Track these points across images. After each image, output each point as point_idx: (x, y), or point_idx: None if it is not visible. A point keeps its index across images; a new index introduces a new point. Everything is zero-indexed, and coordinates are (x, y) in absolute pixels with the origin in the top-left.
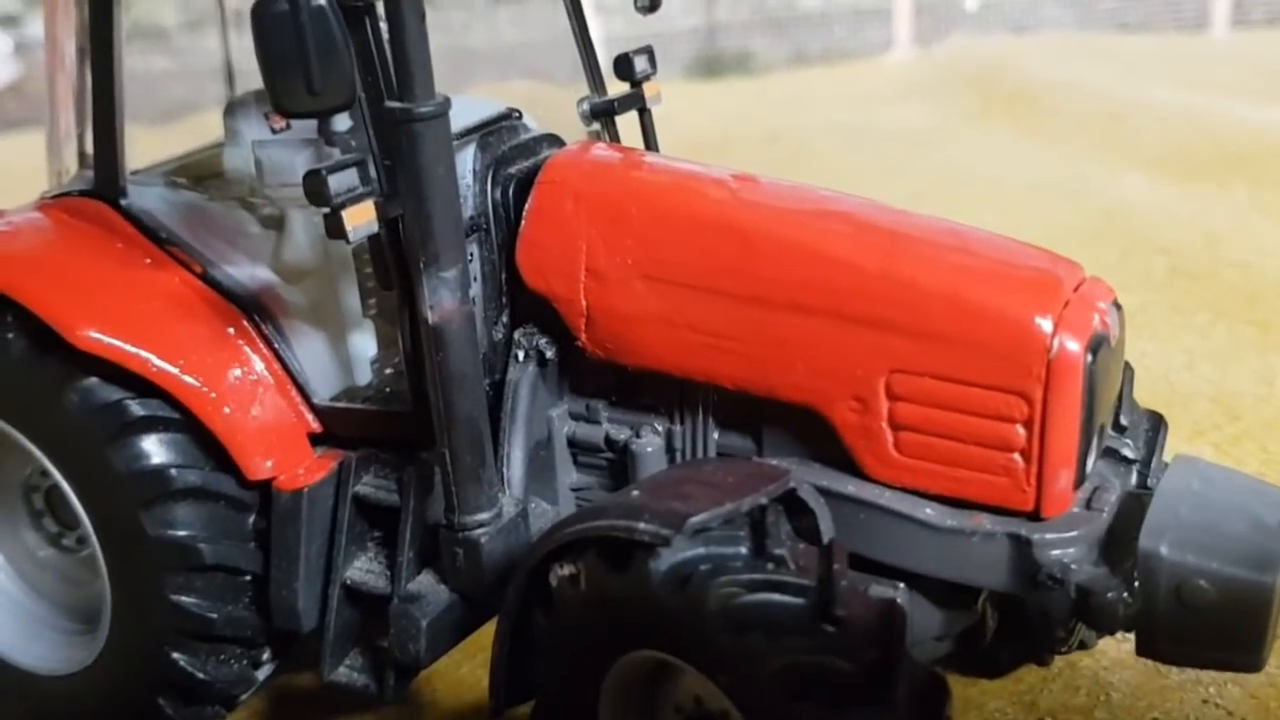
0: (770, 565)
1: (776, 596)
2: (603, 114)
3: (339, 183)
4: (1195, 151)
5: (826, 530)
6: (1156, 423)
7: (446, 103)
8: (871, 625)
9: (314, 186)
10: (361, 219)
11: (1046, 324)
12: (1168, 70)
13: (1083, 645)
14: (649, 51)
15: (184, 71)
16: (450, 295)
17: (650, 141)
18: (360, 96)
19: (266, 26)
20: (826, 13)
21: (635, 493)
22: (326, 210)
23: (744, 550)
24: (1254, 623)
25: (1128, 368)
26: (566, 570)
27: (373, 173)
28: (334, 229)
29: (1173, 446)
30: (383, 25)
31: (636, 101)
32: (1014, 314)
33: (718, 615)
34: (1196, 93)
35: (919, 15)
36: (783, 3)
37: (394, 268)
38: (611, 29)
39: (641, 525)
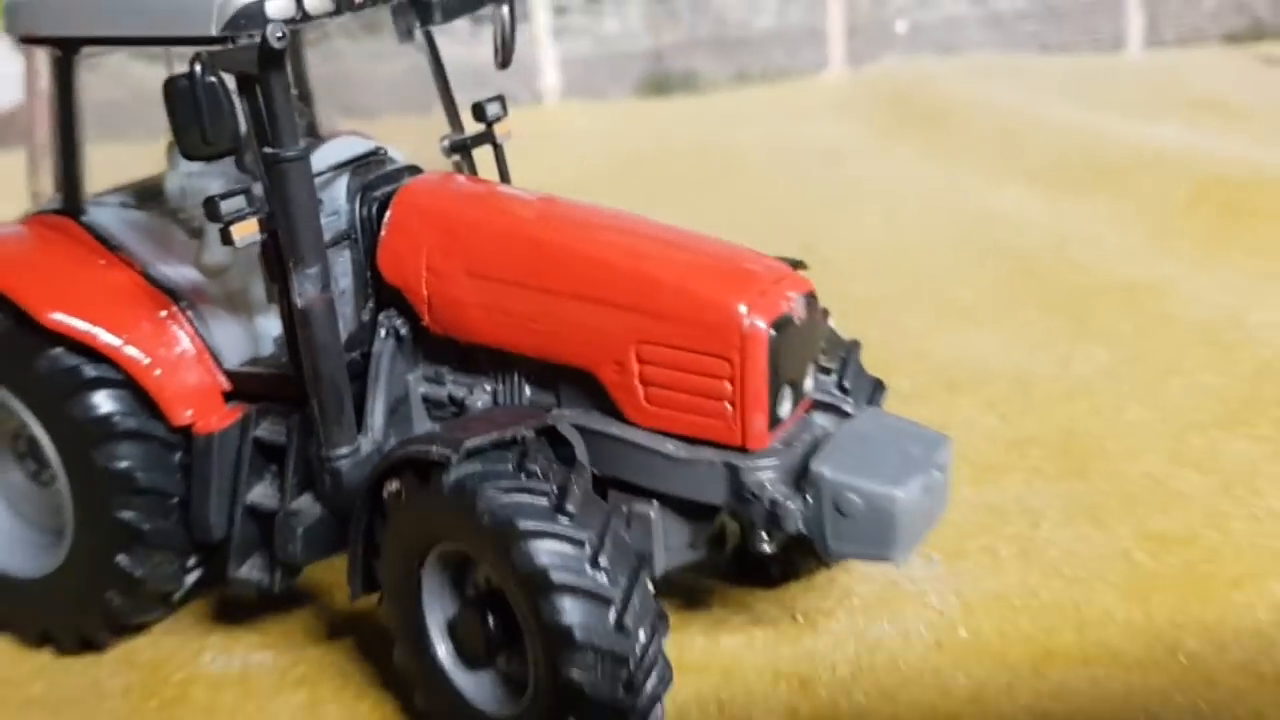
0: (523, 476)
1: (526, 497)
2: (459, 149)
3: (228, 206)
4: (1070, 165)
5: (581, 456)
6: (877, 386)
7: (307, 149)
8: (596, 514)
9: (210, 209)
10: (247, 231)
11: (742, 308)
12: (1070, 89)
13: (824, 565)
14: (501, 99)
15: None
16: (313, 286)
17: (503, 172)
18: (254, 142)
19: (173, 95)
20: (766, 35)
21: (438, 428)
22: (219, 225)
23: (508, 466)
24: (890, 524)
25: (855, 342)
26: (393, 486)
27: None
28: (225, 238)
29: (967, 416)
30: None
31: (489, 139)
32: (721, 300)
33: (484, 512)
34: (1091, 110)
35: (852, 37)
36: (726, 25)
37: (277, 268)
38: (567, 51)
39: (434, 449)
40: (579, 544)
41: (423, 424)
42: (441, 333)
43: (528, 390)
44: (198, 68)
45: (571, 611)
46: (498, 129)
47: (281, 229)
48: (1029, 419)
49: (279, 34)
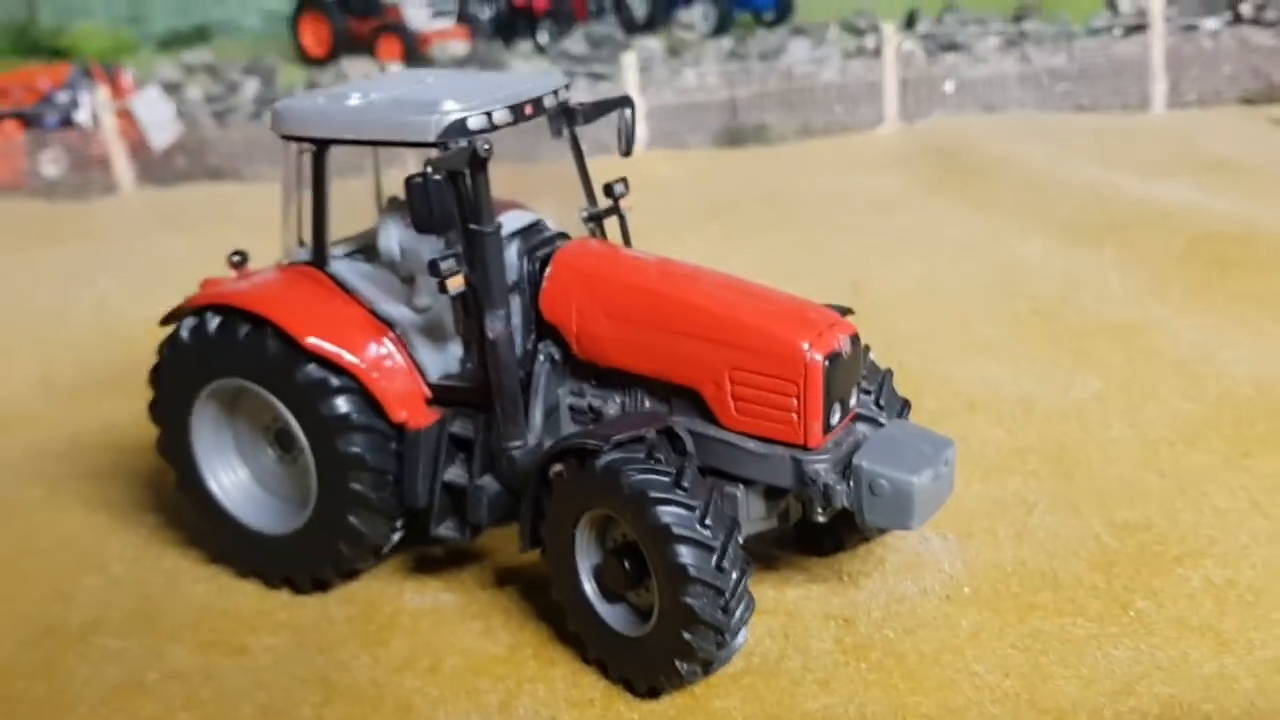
0: (652, 461)
1: (655, 476)
2: (593, 219)
3: (445, 266)
4: (1087, 218)
5: (690, 449)
6: (905, 404)
7: (499, 227)
8: (703, 492)
9: (433, 268)
10: (456, 284)
11: (805, 346)
12: (1094, 147)
13: (865, 540)
14: (624, 180)
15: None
16: (500, 324)
17: (626, 236)
18: (458, 222)
19: (412, 189)
20: (829, 90)
21: (592, 427)
22: (438, 279)
23: (642, 454)
24: (909, 502)
25: (889, 371)
26: (558, 468)
27: (464, 259)
28: (441, 288)
29: (980, 429)
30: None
31: (615, 212)
32: (791, 339)
33: (625, 485)
34: (1110, 168)
35: (905, 95)
36: (793, 79)
37: (473, 309)
38: (651, 104)
39: (590, 440)
40: (691, 508)
41: (568, 426)
42: (585, 359)
43: (646, 402)
44: (429, 169)
45: (686, 555)
46: (623, 203)
47: (479, 282)
48: (1030, 433)
49: (486, 145)
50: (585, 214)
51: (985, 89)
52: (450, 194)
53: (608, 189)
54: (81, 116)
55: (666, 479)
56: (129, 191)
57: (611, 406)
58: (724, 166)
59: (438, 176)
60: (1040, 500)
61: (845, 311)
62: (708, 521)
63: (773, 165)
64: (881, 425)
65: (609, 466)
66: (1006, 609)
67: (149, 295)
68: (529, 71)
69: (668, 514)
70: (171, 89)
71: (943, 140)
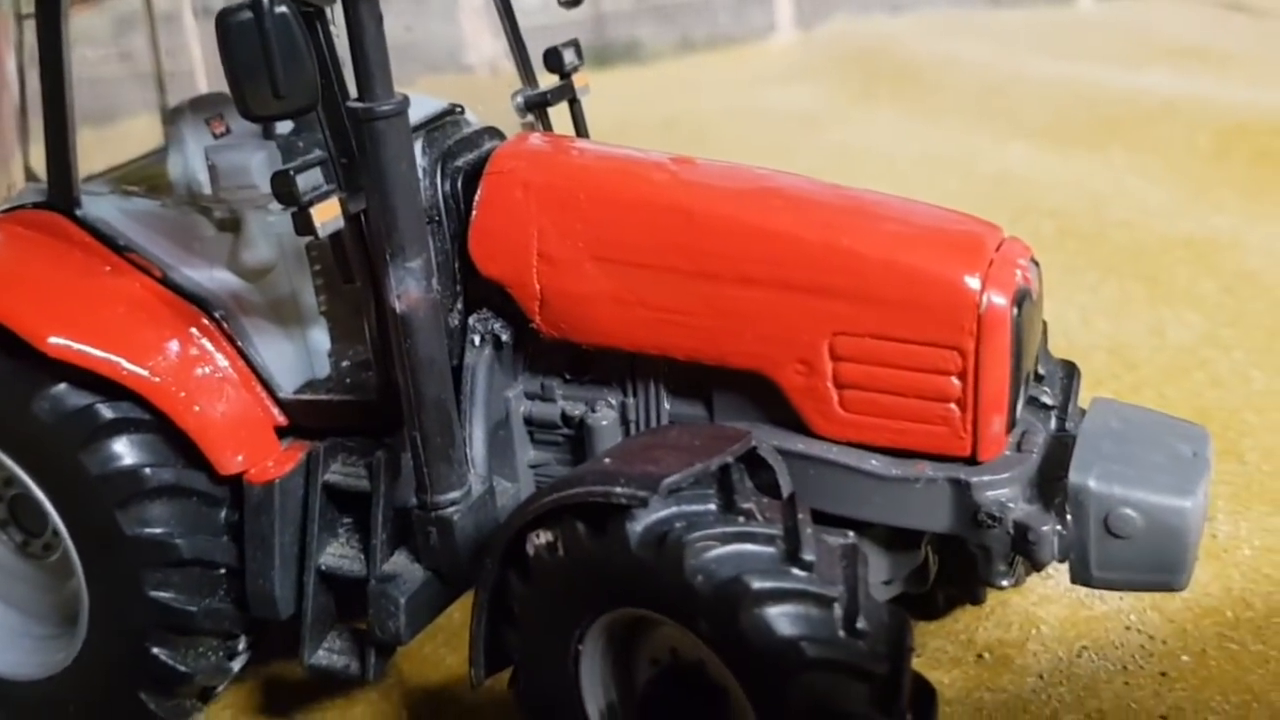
0: (740, 519)
1: (748, 547)
2: (537, 105)
3: (306, 181)
4: (1073, 119)
5: (785, 485)
6: (1070, 371)
7: (405, 101)
8: (835, 566)
9: (283, 187)
10: (328, 215)
11: (975, 282)
12: (1039, 42)
13: (1016, 583)
14: (575, 44)
15: (108, 79)
16: (416, 284)
17: (581, 130)
18: (323, 95)
19: (232, 34)
20: None
21: (606, 460)
22: (295, 209)
23: (713, 507)
24: (1177, 544)
25: (1044, 322)
26: (544, 538)
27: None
28: (303, 226)
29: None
30: (334, 28)
31: (567, 93)
32: (945, 274)
33: (695, 569)
34: (1068, 62)
35: None
36: None
37: (358, 261)
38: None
39: (618, 489)
40: (828, 603)
41: (525, 453)
42: (555, 335)
43: (667, 403)
44: None
45: (832, 695)
46: (577, 80)
47: (374, 210)
48: (1147, 394)
49: None
50: (523, 98)
51: None
52: (305, 40)
53: (554, 58)
54: None
55: (771, 550)
56: None
57: (604, 413)
58: (595, 90)
59: (281, 7)
60: (1216, 495)
61: None
62: (860, 625)
63: (653, 86)
64: (1046, 407)
65: (661, 533)
66: None
67: None
68: None
69: (787, 618)
70: None
71: (853, 45)
